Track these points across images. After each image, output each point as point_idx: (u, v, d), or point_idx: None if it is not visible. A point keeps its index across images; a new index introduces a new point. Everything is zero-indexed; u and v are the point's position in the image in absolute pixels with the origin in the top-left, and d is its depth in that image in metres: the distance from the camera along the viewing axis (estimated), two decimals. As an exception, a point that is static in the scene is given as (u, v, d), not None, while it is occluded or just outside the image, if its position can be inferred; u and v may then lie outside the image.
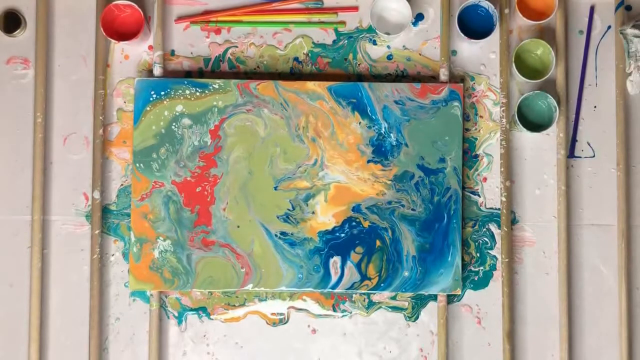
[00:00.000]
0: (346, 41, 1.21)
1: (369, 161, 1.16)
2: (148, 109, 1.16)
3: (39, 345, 1.14)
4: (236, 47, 1.21)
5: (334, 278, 1.15)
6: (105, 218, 1.17)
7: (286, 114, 1.16)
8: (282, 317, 1.18)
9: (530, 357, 1.17)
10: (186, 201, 1.15)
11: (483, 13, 1.17)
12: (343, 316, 1.18)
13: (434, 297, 1.17)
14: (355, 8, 1.21)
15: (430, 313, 1.17)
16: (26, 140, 1.18)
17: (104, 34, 1.14)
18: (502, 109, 1.18)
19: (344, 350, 1.18)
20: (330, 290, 1.15)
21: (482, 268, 1.18)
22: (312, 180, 1.16)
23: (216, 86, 1.16)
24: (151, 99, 1.16)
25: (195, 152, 1.16)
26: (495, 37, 1.19)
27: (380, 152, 1.16)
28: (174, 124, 1.16)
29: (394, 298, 1.18)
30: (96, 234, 1.15)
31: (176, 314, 1.17)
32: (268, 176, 1.16)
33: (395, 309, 1.18)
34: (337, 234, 1.15)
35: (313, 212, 1.16)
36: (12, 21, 1.18)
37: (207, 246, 1.15)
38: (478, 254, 1.18)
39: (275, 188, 1.16)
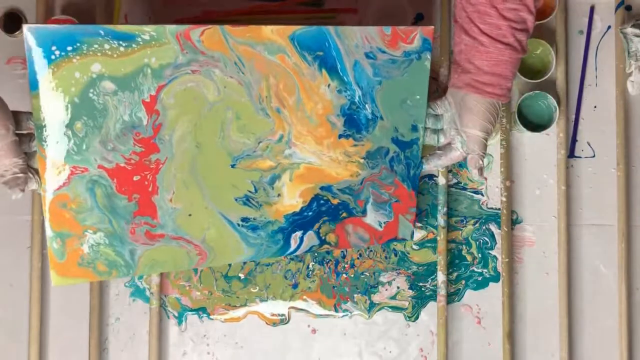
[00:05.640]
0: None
1: (340, 136, 0.99)
2: (51, 69, 0.85)
3: (39, 345, 1.14)
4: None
5: (293, 246, 1.03)
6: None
7: (245, 79, 0.92)
8: (282, 317, 1.18)
9: (530, 357, 1.17)
10: (119, 187, 0.92)
11: (483, 13, 1.17)
12: (343, 316, 1.18)
13: (434, 297, 1.17)
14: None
15: (430, 313, 1.17)
16: (26, 140, 1.18)
17: None
18: (502, 109, 1.18)
19: (344, 350, 1.17)
20: (289, 255, 1.05)
21: (485, 270, 1.18)
22: (275, 157, 0.97)
23: (146, 37, 0.86)
24: (53, 56, 0.84)
25: (127, 129, 0.89)
26: (495, 37, 1.19)
27: (352, 124, 0.99)
28: (91, 90, 0.86)
29: (394, 298, 1.18)
30: (96, 234, 1.15)
31: (176, 314, 1.17)
32: (221, 150, 0.94)
33: (395, 309, 1.18)
34: (305, 214, 1.02)
35: (279, 195, 0.99)
36: (13, 21, 1.18)
37: (153, 239, 0.96)
38: (480, 255, 1.18)
39: (233, 166, 0.96)
